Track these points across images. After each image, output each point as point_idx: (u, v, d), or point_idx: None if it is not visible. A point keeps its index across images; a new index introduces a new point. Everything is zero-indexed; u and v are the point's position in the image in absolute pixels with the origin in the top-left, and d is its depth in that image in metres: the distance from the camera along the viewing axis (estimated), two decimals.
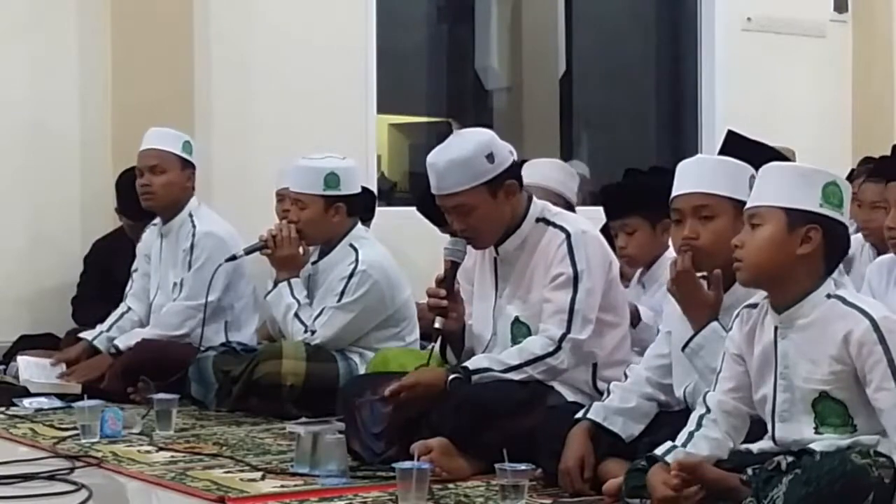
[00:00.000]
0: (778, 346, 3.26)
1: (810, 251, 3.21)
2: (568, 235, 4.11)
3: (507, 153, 4.19)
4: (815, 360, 3.19)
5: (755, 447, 3.30)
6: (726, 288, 3.64)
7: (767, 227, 3.23)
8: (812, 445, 3.15)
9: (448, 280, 4.22)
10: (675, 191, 3.70)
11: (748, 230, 3.27)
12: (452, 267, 4.24)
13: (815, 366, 3.20)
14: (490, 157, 4.12)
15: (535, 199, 4.26)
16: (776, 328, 3.27)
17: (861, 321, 3.15)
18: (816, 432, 3.19)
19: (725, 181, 3.64)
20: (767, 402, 3.28)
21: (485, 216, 4.14)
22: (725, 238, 3.55)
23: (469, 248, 4.28)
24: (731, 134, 4.65)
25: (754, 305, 3.36)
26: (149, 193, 5.92)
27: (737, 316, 3.39)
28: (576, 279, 4.07)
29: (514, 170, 4.20)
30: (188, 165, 5.92)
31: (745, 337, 3.35)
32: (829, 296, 3.22)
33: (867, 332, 3.13)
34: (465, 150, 4.12)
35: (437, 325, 4.19)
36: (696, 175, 3.69)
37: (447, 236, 5.62)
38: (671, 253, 4.67)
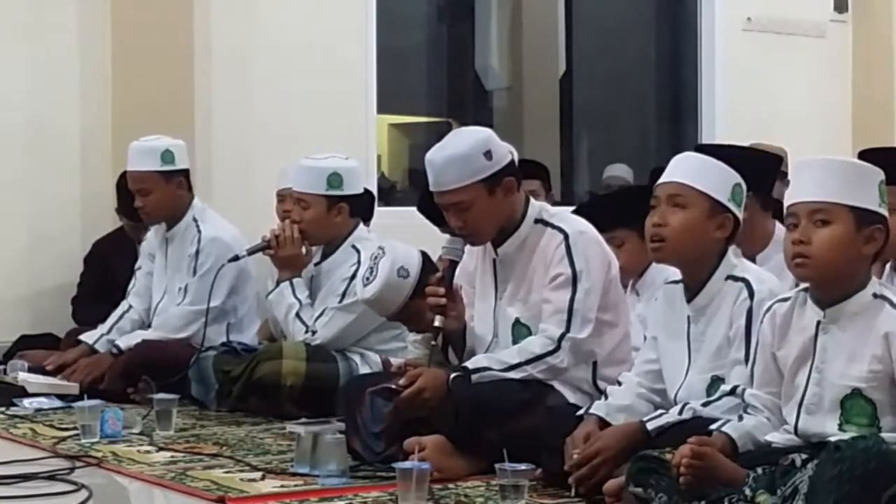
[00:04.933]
0: (818, 341, 3.24)
1: (874, 251, 3.20)
2: (566, 236, 4.11)
3: (505, 151, 4.19)
4: (856, 356, 3.17)
5: (775, 439, 3.29)
6: (701, 285, 3.67)
7: (838, 226, 3.18)
8: (831, 439, 3.12)
9: (447, 279, 4.22)
10: (659, 179, 3.74)
11: (810, 226, 3.20)
12: (451, 265, 4.24)
13: (853, 362, 3.18)
14: (488, 155, 4.12)
15: (532, 200, 4.26)
16: (818, 322, 3.25)
17: None
18: (840, 429, 3.17)
19: (705, 178, 3.67)
20: (797, 392, 3.26)
21: (482, 213, 4.13)
22: (691, 229, 3.63)
23: (471, 249, 4.28)
24: (699, 148, 4.76)
25: (786, 299, 3.35)
26: (144, 214, 5.94)
27: (768, 310, 3.38)
28: (574, 279, 4.07)
29: (513, 168, 4.21)
30: (174, 175, 5.85)
31: (777, 331, 3.34)
32: (875, 295, 3.21)
33: None
34: (463, 146, 4.12)
35: (436, 323, 4.19)
36: (680, 167, 3.73)
37: (447, 236, 5.66)
38: None
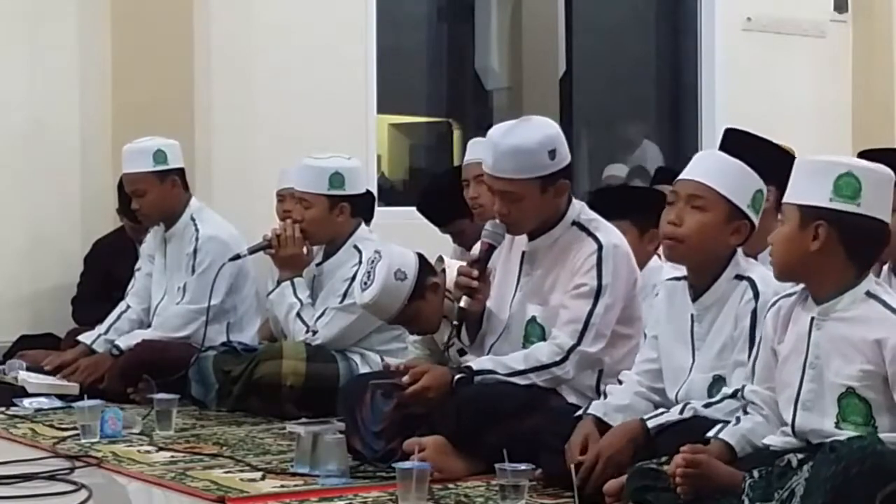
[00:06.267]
0: (812, 336, 3.24)
1: (822, 247, 3.19)
2: (600, 247, 4.08)
3: (567, 152, 4.15)
4: (848, 356, 3.17)
5: (773, 442, 3.29)
6: (708, 285, 3.66)
7: (786, 225, 3.24)
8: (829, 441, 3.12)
9: (482, 262, 4.21)
10: (681, 175, 3.72)
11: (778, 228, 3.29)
12: (489, 249, 4.22)
13: (846, 362, 3.17)
14: (552, 154, 4.09)
15: (574, 200, 4.23)
16: (812, 318, 3.25)
17: None
18: (837, 427, 3.16)
19: (729, 182, 3.65)
20: (791, 388, 3.26)
21: (529, 208, 4.10)
22: (708, 233, 3.62)
23: None
24: (729, 132, 4.68)
25: (790, 295, 3.35)
26: (142, 215, 5.97)
27: (772, 305, 3.38)
28: (598, 293, 4.05)
29: (569, 170, 4.18)
30: (167, 174, 5.86)
31: (779, 325, 3.34)
32: (868, 294, 3.20)
33: None
34: (532, 140, 4.08)
35: (462, 304, 4.18)
36: (704, 166, 3.71)
37: (447, 237, 5.66)
38: (655, 262, 4.68)
